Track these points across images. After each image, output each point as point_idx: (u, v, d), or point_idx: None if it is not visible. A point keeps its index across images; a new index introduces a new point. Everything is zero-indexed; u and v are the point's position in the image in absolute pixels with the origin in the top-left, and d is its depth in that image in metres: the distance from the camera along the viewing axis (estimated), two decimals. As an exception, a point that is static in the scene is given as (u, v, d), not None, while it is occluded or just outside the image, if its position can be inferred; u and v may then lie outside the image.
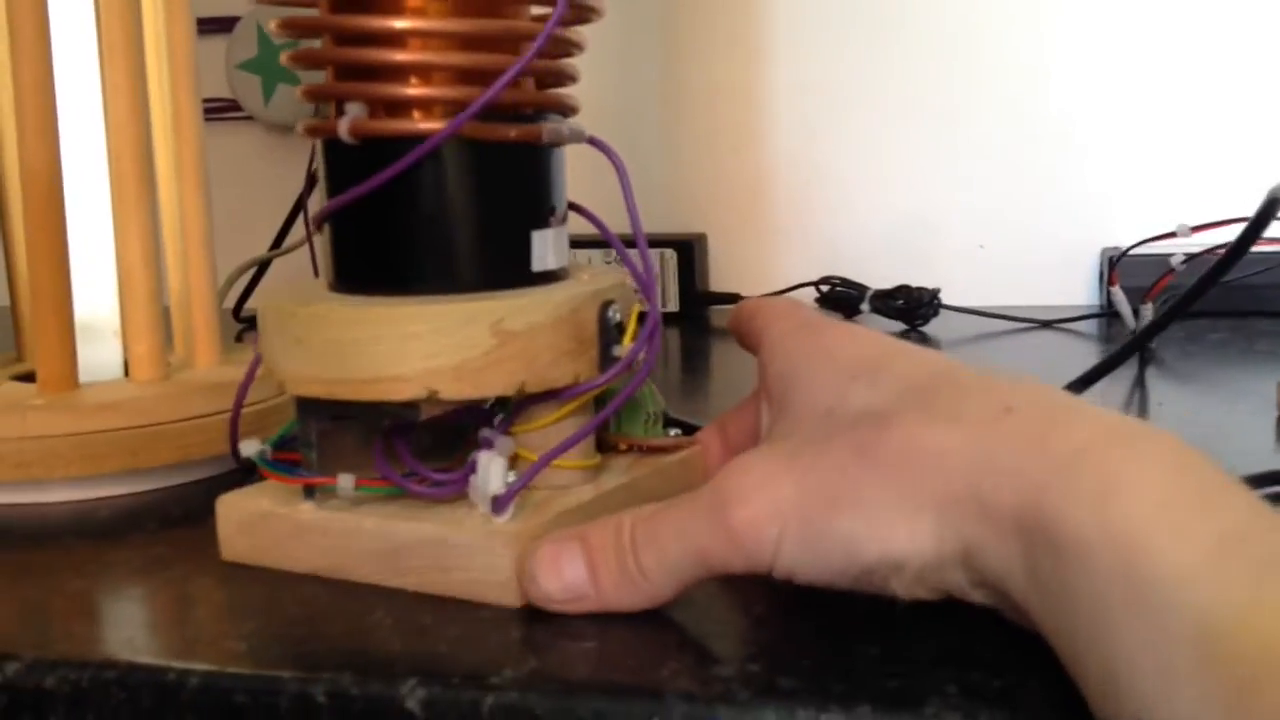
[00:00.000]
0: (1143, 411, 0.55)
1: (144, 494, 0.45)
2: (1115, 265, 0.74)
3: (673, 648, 0.30)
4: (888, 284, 0.82)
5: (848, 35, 0.88)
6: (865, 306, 0.82)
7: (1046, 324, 0.78)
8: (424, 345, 0.33)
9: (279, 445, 0.37)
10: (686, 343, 0.81)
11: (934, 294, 0.80)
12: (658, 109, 0.93)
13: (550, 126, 0.36)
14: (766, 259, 0.92)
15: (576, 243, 0.40)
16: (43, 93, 0.44)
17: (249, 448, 0.37)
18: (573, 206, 0.39)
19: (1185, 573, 0.23)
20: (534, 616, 0.32)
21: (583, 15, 0.38)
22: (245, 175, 0.97)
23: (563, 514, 0.34)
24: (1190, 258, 0.68)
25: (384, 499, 0.35)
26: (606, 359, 0.36)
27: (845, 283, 0.84)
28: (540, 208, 0.37)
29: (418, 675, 0.28)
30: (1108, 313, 0.78)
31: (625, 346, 0.36)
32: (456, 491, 0.34)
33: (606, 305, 0.36)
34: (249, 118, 0.97)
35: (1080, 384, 0.49)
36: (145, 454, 0.44)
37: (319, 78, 0.37)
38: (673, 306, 0.87)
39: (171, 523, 0.42)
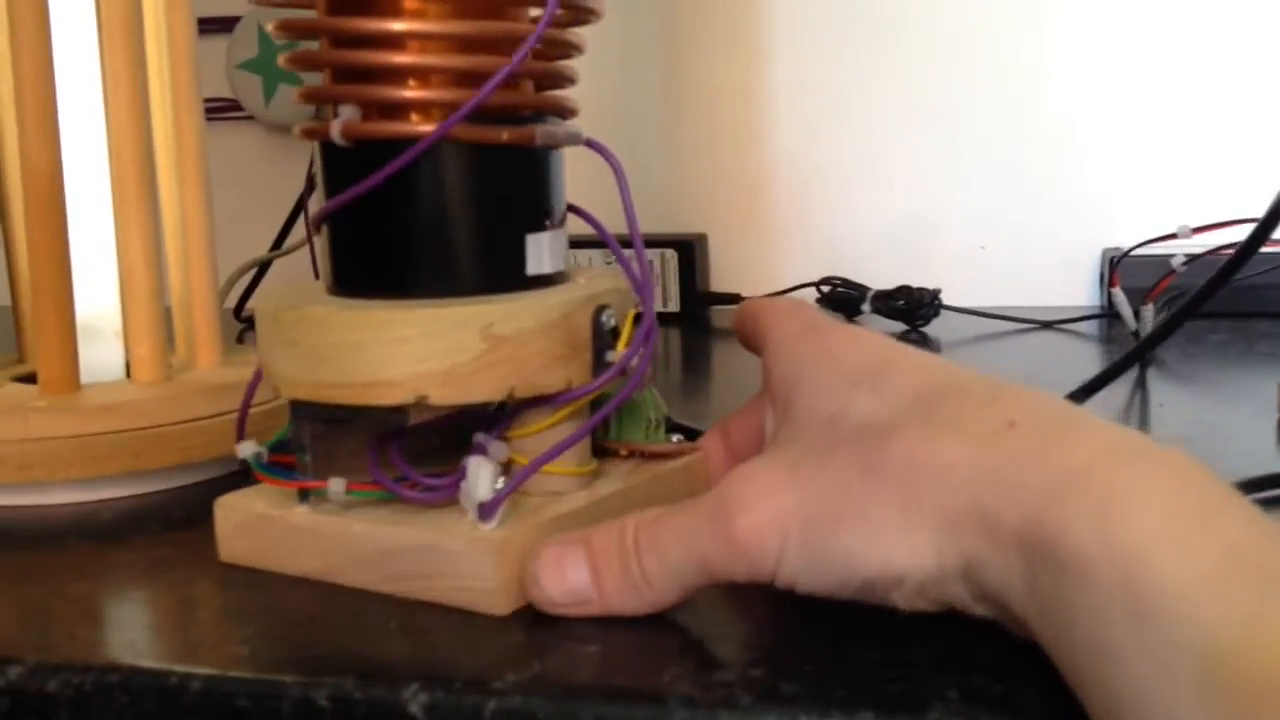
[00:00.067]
0: (1143, 412, 0.55)
1: (146, 496, 0.45)
2: (1116, 266, 0.74)
3: (674, 652, 0.30)
4: (888, 284, 0.82)
5: (848, 36, 0.88)
6: (866, 307, 0.82)
7: (1047, 325, 0.78)
8: (413, 349, 0.33)
9: (276, 448, 0.37)
10: (687, 343, 0.81)
11: (935, 294, 0.80)
12: (658, 109, 0.93)
13: (544, 129, 0.36)
14: (767, 259, 0.92)
15: (576, 244, 0.40)
16: (43, 92, 0.44)
17: (245, 450, 0.37)
18: (571, 208, 0.39)
19: (1188, 590, 0.23)
20: (531, 621, 0.32)
21: (581, 17, 0.38)
22: (246, 175, 0.97)
23: (553, 520, 0.34)
24: (1191, 259, 0.68)
25: (377, 503, 0.35)
26: (600, 364, 0.36)
27: (846, 283, 0.84)
28: (535, 211, 0.37)
29: (420, 679, 0.28)
30: (1108, 313, 0.78)
31: (619, 352, 0.35)
32: (448, 497, 0.34)
33: (600, 310, 0.36)
34: (250, 118, 0.97)
35: (1085, 392, 0.48)
36: (147, 456, 0.44)
37: (320, 79, 0.37)
38: (673, 307, 0.87)
39: (174, 525, 0.42)
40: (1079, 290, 0.86)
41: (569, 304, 0.35)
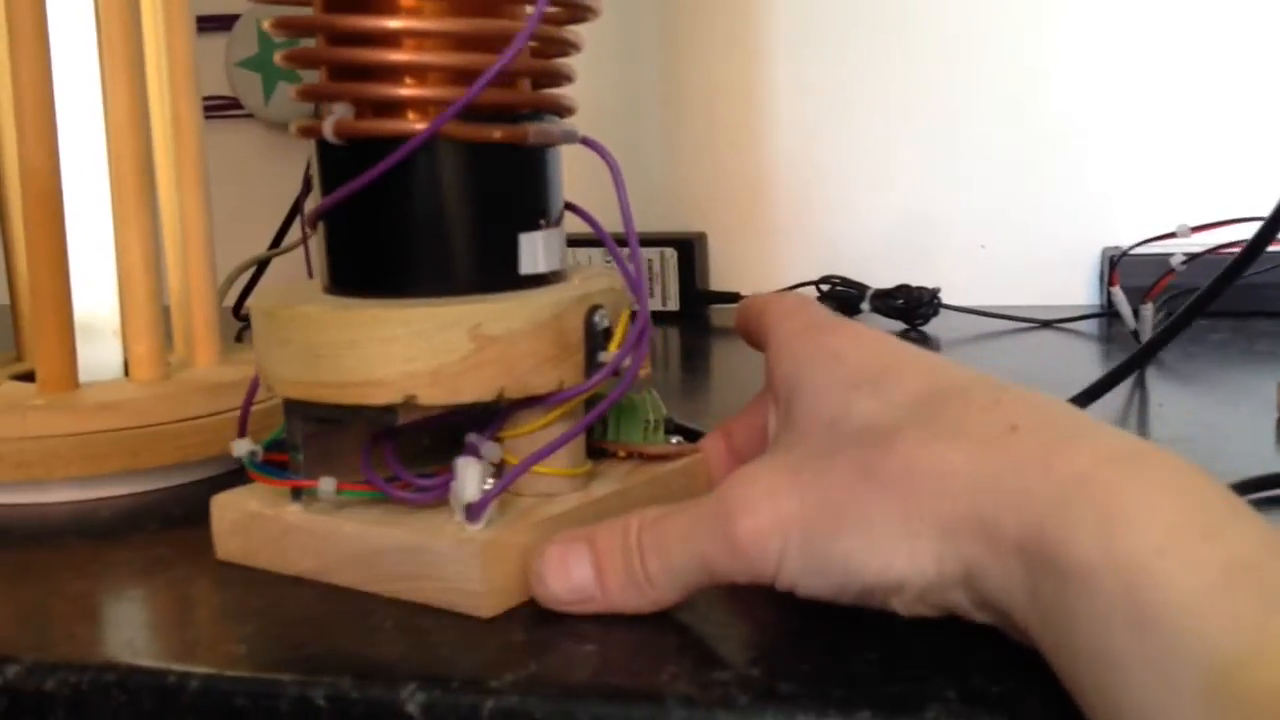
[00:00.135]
0: (1143, 411, 0.55)
1: (144, 494, 0.45)
2: (1115, 265, 0.74)
3: (672, 652, 0.30)
4: (888, 283, 0.82)
5: (848, 36, 0.88)
6: (865, 306, 0.82)
7: (1047, 324, 0.78)
8: (402, 349, 0.33)
9: (272, 447, 0.37)
10: (686, 342, 0.81)
11: (934, 293, 0.80)
12: (658, 109, 0.93)
13: (538, 127, 0.36)
14: (767, 258, 0.92)
15: (575, 243, 0.39)
16: (42, 91, 0.44)
17: (240, 448, 0.37)
18: (568, 206, 0.39)
19: (1191, 601, 0.22)
20: (528, 621, 0.32)
21: (578, 15, 0.38)
22: (245, 173, 0.97)
23: (544, 522, 0.34)
24: (1190, 258, 0.68)
25: (369, 503, 0.35)
26: (592, 365, 0.35)
27: (845, 282, 0.84)
28: (529, 210, 0.36)
29: (418, 679, 0.28)
30: (1108, 312, 0.78)
31: (611, 352, 0.35)
32: (439, 497, 0.34)
33: (594, 310, 0.35)
34: (249, 116, 0.97)
35: (1089, 395, 0.48)
36: (146, 454, 0.44)
37: (318, 77, 0.37)
38: (673, 305, 0.87)
39: (172, 523, 0.42)
40: (1078, 289, 0.86)
41: (561, 304, 0.35)
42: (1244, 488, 0.39)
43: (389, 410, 0.33)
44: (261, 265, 0.85)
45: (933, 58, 0.87)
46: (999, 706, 0.26)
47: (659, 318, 0.87)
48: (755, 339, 0.38)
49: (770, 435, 0.36)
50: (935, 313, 0.80)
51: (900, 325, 0.80)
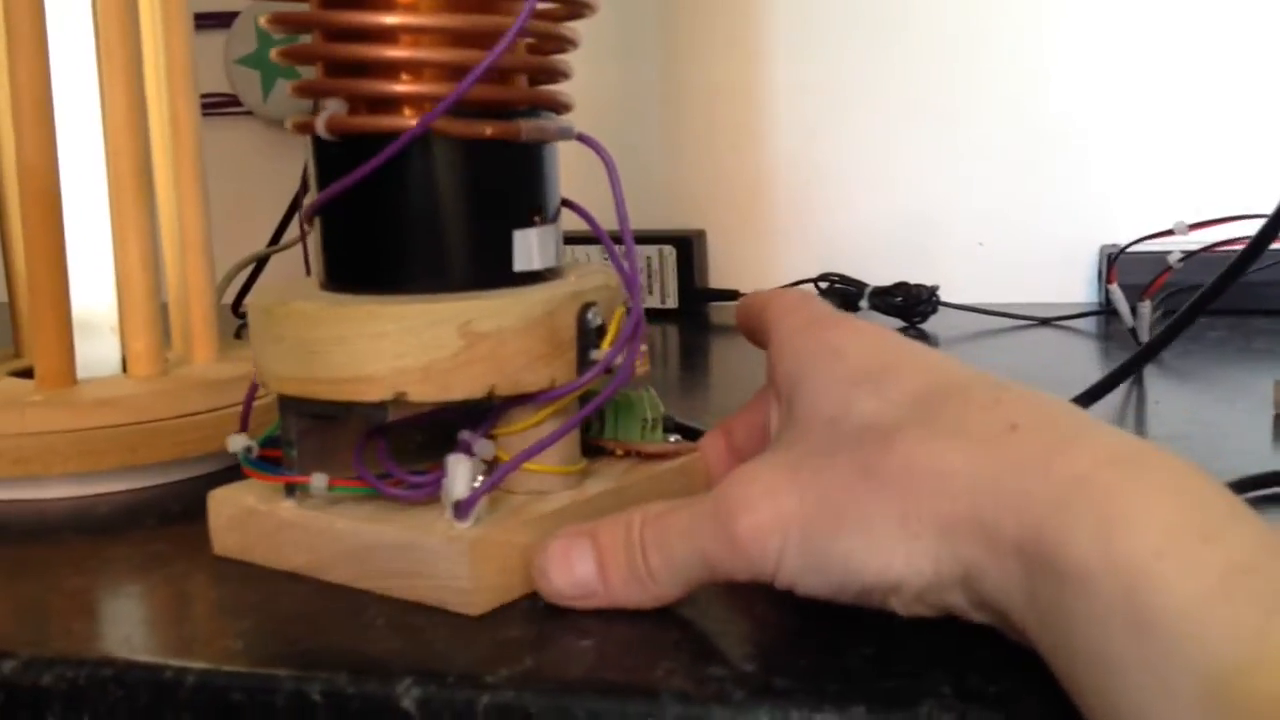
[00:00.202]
0: (1140, 409, 0.55)
1: (142, 490, 0.45)
2: (1113, 263, 0.74)
3: (668, 647, 0.30)
4: (887, 281, 0.82)
5: (848, 36, 0.88)
6: (864, 303, 0.82)
7: (1045, 321, 0.78)
8: (392, 345, 0.33)
9: (268, 443, 0.37)
10: (685, 339, 0.81)
11: (933, 291, 0.80)
12: (657, 108, 0.93)
13: (531, 123, 0.35)
14: (766, 256, 0.92)
15: (573, 239, 0.39)
16: (40, 88, 0.44)
17: (235, 443, 0.37)
18: (565, 203, 0.39)
19: (1189, 606, 0.22)
20: (523, 616, 0.32)
21: (575, 11, 0.38)
22: (244, 170, 0.97)
23: (535, 520, 0.34)
24: (1187, 255, 0.68)
25: (363, 500, 0.35)
26: (585, 362, 0.35)
27: (844, 279, 0.84)
28: (523, 207, 0.36)
29: (413, 674, 0.28)
30: (1106, 310, 0.78)
31: (603, 350, 0.35)
32: (431, 494, 0.34)
33: (586, 307, 0.35)
34: (248, 113, 0.97)
35: (1090, 396, 0.48)
36: (144, 450, 0.45)
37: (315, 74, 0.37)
38: (672, 303, 0.87)
39: (170, 519, 0.42)
40: (1077, 287, 0.86)
41: (553, 301, 0.35)
42: (1241, 486, 0.39)
43: (380, 407, 0.33)
44: (260, 262, 0.85)
45: (932, 58, 0.87)
46: (994, 703, 0.26)
47: (658, 315, 0.87)
48: (757, 336, 0.38)
49: (771, 432, 0.36)
50: (934, 310, 0.80)
51: (899, 323, 0.80)
